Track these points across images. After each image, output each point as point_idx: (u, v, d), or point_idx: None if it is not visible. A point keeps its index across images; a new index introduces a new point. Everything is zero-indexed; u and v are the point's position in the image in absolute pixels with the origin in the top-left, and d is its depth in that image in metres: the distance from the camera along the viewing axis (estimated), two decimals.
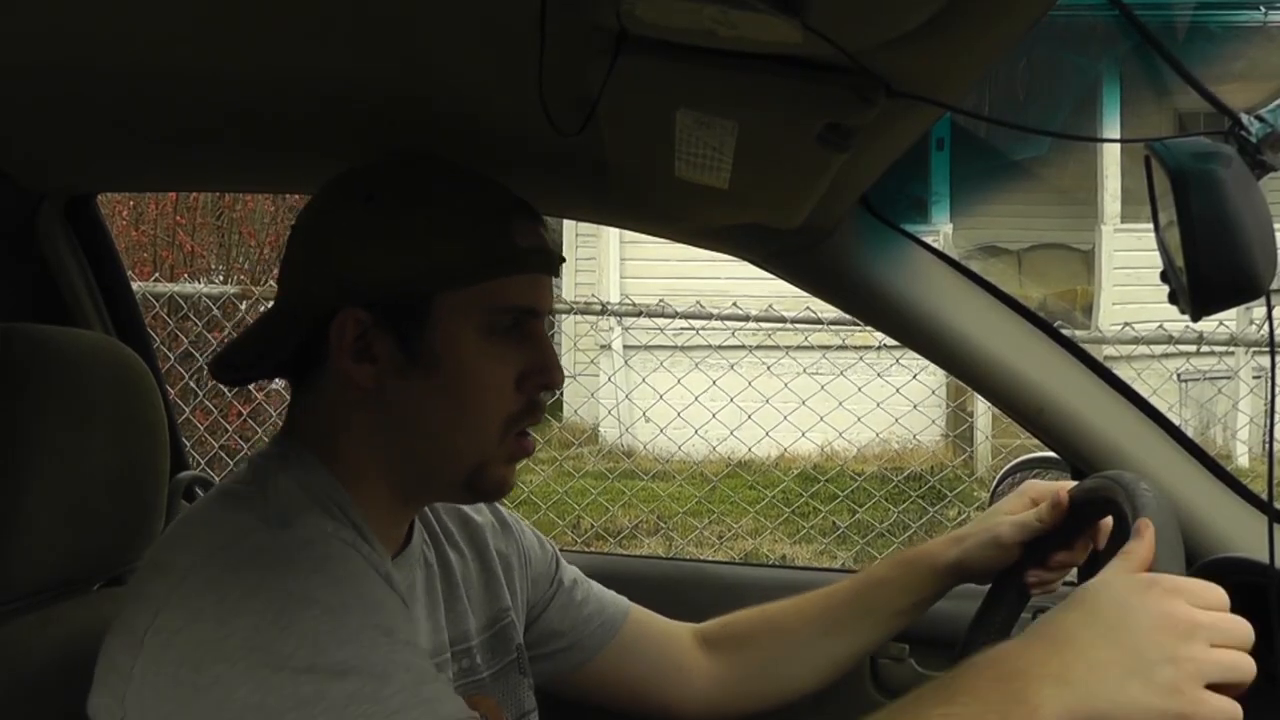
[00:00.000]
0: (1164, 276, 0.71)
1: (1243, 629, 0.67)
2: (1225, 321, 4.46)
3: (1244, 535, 1.07)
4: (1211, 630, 0.66)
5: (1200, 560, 1.05)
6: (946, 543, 1.07)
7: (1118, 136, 7.67)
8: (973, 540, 1.04)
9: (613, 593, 1.14)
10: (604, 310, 4.21)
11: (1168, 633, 0.66)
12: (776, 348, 4.85)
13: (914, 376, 4.24)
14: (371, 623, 0.71)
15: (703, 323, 3.75)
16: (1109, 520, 1.00)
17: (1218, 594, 0.69)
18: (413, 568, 0.90)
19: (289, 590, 0.69)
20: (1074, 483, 1.02)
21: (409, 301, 0.81)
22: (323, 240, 0.83)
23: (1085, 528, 1.01)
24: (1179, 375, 5.48)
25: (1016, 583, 1.03)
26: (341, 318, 0.81)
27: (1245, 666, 0.66)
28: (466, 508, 1.03)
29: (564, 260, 0.89)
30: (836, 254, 1.09)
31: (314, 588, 0.70)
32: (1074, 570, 1.05)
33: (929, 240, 1.13)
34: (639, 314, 3.98)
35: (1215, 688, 0.65)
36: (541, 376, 0.85)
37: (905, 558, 1.09)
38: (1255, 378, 5.27)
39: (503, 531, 1.06)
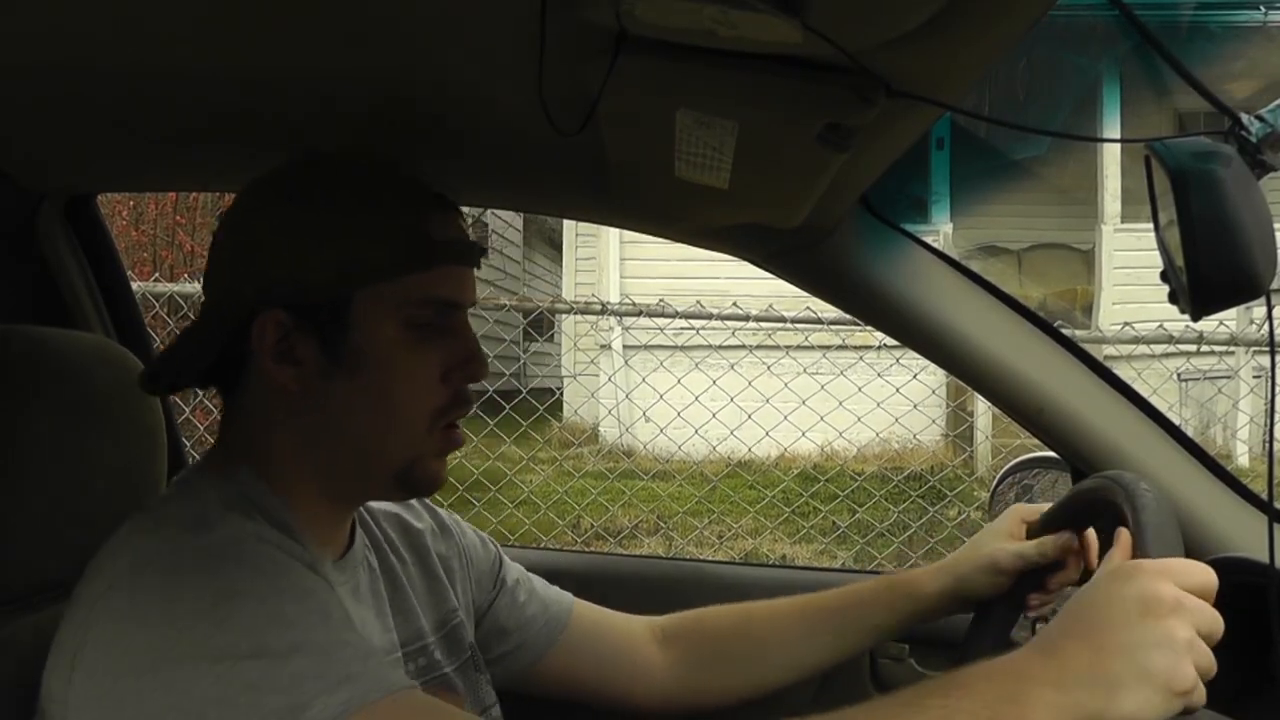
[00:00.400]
0: (1164, 276, 0.71)
1: (1218, 624, 0.68)
2: (1225, 321, 4.46)
3: (1244, 535, 1.07)
4: (1195, 613, 0.67)
5: (1200, 560, 1.05)
6: (934, 572, 1.08)
7: (1118, 136, 7.67)
8: (970, 566, 1.06)
9: (558, 590, 1.14)
10: (604, 310, 4.21)
11: (1155, 616, 0.66)
12: (776, 348, 4.85)
13: (914, 376, 4.24)
14: (308, 608, 0.71)
15: (703, 323, 3.74)
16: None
17: (1202, 572, 0.70)
18: (356, 570, 0.90)
19: (218, 588, 0.69)
20: (1068, 491, 1.03)
21: (328, 301, 0.80)
22: (241, 241, 0.83)
23: (1084, 530, 1.01)
24: (1179, 375, 5.49)
25: (1012, 595, 1.04)
26: (262, 320, 0.80)
27: (1212, 663, 0.67)
28: (406, 514, 1.03)
29: (484, 252, 0.88)
30: (836, 254, 1.09)
31: (243, 581, 0.70)
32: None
33: (929, 240, 1.13)
34: (639, 314, 3.97)
35: None
36: (466, 369, 0.85)
37: (892, 580, 1.11)
38: (1255, 377, 5.27)
39: (443, 535, 1.06)
